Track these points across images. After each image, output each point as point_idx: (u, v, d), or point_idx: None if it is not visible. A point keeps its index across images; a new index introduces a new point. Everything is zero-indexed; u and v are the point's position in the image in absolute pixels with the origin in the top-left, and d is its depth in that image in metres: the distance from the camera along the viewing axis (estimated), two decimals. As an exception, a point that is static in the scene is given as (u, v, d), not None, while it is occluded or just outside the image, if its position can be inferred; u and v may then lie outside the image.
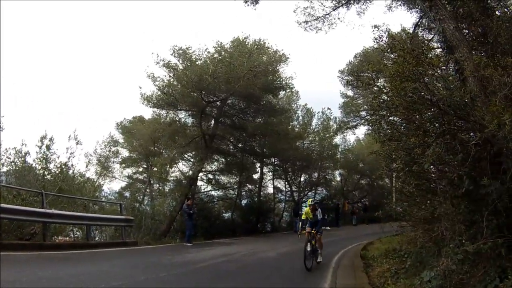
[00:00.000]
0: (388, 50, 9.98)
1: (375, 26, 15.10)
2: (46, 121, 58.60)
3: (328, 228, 17.54)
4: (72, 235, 18.68)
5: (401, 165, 8.80)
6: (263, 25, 77.66)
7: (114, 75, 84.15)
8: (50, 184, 17.55)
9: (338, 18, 16.69)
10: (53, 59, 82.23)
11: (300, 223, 14.00)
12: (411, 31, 16.13)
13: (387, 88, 10.22)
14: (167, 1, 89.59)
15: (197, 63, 24.57)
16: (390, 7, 16.41)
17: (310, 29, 17.04)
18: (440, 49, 11.43)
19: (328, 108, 39.43)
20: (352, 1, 16.27)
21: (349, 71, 32.48)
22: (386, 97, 9.59)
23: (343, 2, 16.35)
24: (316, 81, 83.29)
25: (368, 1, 16.26)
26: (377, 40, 14.23)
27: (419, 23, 15.48)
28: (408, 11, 15.85)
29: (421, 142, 7.69)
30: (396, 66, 8.30)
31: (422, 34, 15.60)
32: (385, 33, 14.54)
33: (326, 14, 16.62)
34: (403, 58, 8.10)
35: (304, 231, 12.99)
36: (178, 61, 24.84)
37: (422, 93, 7.86)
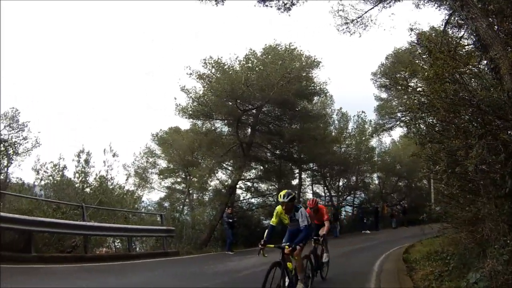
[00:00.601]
0: (425, 53, 9.95)
1: (411, 29, 15.07)
2: (80, 134, 59.68)
3: (368, 231, 17.29)
4: (113, 246, 19.01)
5: (444, 167, 8.75)
6: (295, 31, 77.72)
7: (144, 88, 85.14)
8: (89, 197, 17.88)
9: (371, 20, 16.71)
10: (86, 73, 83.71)
11: (266, 231, 9.03)
12: (440, 29, 15.99)
13: (423, 88, 10.18)
14: (197, 11, 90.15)
15: (229, 72, 24.85)
16: (418, 5, 16.30)
17: (346, 31, 17.12)
18: (472, 46, 11.34)
19: (363, 112, 39.27)
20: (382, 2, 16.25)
21: (382, 73, 32.34)
22: (423, 100, 9.56)
23: (375, 2, 16.34)
24: (350, 84, 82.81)
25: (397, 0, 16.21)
26: (414, 44, 14.19)
27: (448, 20, 15.34)
28: (436, 9, 15.73)
29: (464, 144, 7.66)
30: (435, 68, 8.28)
31: (452, 32, 15.45)
32: (419, 35, 14.48)
33: (359, 17, 16.66)
34: (443, 61, 8.08)
35: (270, 246, 8.39)
36: (211, 71, 25.09)
37: (461, 94, 7.83)
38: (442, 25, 15.84)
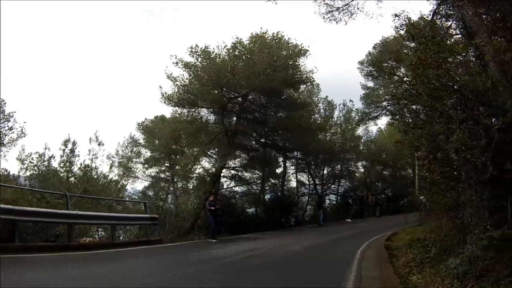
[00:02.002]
0: (410, 39, 9.95)
1: (396, 15, 15.00)
2: (66, 123, 59.41)
3: (349, 220, 17.45)
4: (97, 235, 18.96)
5: (425, 153, 8.77)
6: (282, 20, 77.69)
7: (131, 76, 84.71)
8: (74, 187, 17.86)
9: (358, 8, 16.63)
10: (72, 65, 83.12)
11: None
12: (429, 19, 15.98)
13: (409, 77, 10.21)
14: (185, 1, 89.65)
15: (216, 60, 24.73)
16: (407, -6, 16.24)
17: (331, 19, 17.00)
18: (459, 36, 11.35)
19: (351, 100, 39.45)
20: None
21: (369, 61, 32.33)
22: (407, 86, 9.57)
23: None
24: (337, 72, 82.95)
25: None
26: (398, 29, 14.16)
27: (437, 11, 15.32)
28: (425, -1, 15.69)
29: (445, 129, 7.67)
30: (418, 54, 8.29)
31: (441, 21, 15.43)
32: (405, 21, 14.45)
33: (346, 4, 16.56)
34: (424, 46, 8.08)
35: None
36: (197, 59, 24.98)
37: (445, 80, 7.83)
38: (430, 15, 15.85)
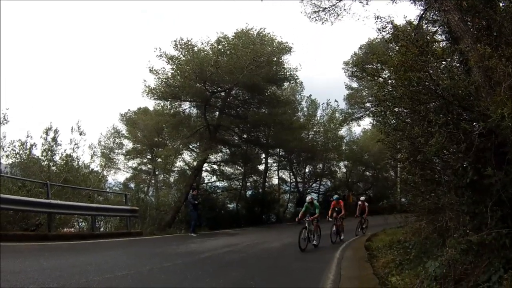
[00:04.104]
0: (392, 40, 9.96)
1: (378, 17, 15.03)
2: (49, 112, 58.83)
3: (330, 219, 17.64)
4: (77, 226, 18.79)
5: (406, 155, 8.80)
6: (269, 18, 77.50)
7: (116, 69, 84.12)
8: (55, 176, 17.60)
9: (344, 9, 16.61)
10: (56, 53, 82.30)
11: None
12: (415, 23, 16.03)
13: (392, 79, 10.22)
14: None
15: (199, 54, 24.64)
16: (394, -1, 16.24)
17: (317, 20, 16.96)
18: (445, 42, 11.40)
19: (336, 101, 39.58)
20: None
21: (354, 62, 32.41)
22: (390, 88, 9.58)
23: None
24: (323, 72, 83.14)
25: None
26: (381, 31, 14.19)
27: (423, 16, 15.36)
28: (412, 3, 15.71)
29: (425, 132, 7.69)
30: (399, 56, 8.29)
31: (427, 27, 15.47)
32: (388, 23, 14.49)
33: (332, 5, 16.54)
34: (406, 48, 8.09)
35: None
36: (181, 53, 24.86)
37: (427, 83, 7.84)
38: (417, 19, 15.88)
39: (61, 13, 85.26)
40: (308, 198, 16.54)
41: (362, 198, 23.23)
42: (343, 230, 18.01)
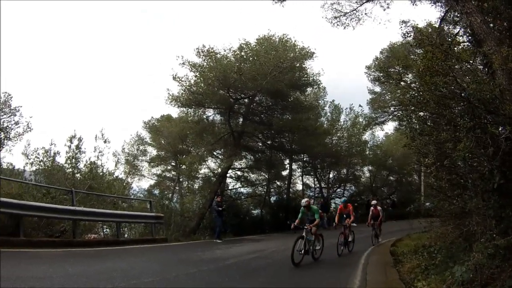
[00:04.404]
0: (417, 45, 9.94)
1: (403, 22, 15.00)
2: (72, 120, 59.61)
3: (354, 224, 17.34)
4: (102, 232, 18.98)
5: (433, 160, 8.76)
6: (291, 24, 77.45)
7: (139, 75, 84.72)
8: (79, 183, 17.79)
9: (366, 14, 16.61)
10: (78, 61, 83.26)
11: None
12: (436, 25, 15.91)
13: (416, 83, 10.19)
14: (192, 2, 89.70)
15: (222, 61, 24.76)
16: (415, 1, 16.18)
17: (338, 25, 16.99)
18: (467, 43, 11.32)
19: (360, 106, 39.35)
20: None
21: (376, 66, 32.27)
22: (415, 93, 9.55)
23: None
24: (345, 77, 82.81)
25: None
26: (405, 36, 14.15)
27: (444, 17, 15.26)
28: (432, 5, 15.61)
29: (452, 137, 7.66)
30: (425, 61, 8.26)
31: (448, 28, 15.37)
32: (413, 28, 14.45)
33: (354, 10, 16.55)
34: (432, 54, 8.06)
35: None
36: (204, 60, 25.05)
37: (452, 87, 7.82)
38: (437, 21, 15.79)
39: (86, 21, 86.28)
40: (304, 201, 14.31)
41: (374, 202, 20.68)
42: (353, 241, 16.17)
